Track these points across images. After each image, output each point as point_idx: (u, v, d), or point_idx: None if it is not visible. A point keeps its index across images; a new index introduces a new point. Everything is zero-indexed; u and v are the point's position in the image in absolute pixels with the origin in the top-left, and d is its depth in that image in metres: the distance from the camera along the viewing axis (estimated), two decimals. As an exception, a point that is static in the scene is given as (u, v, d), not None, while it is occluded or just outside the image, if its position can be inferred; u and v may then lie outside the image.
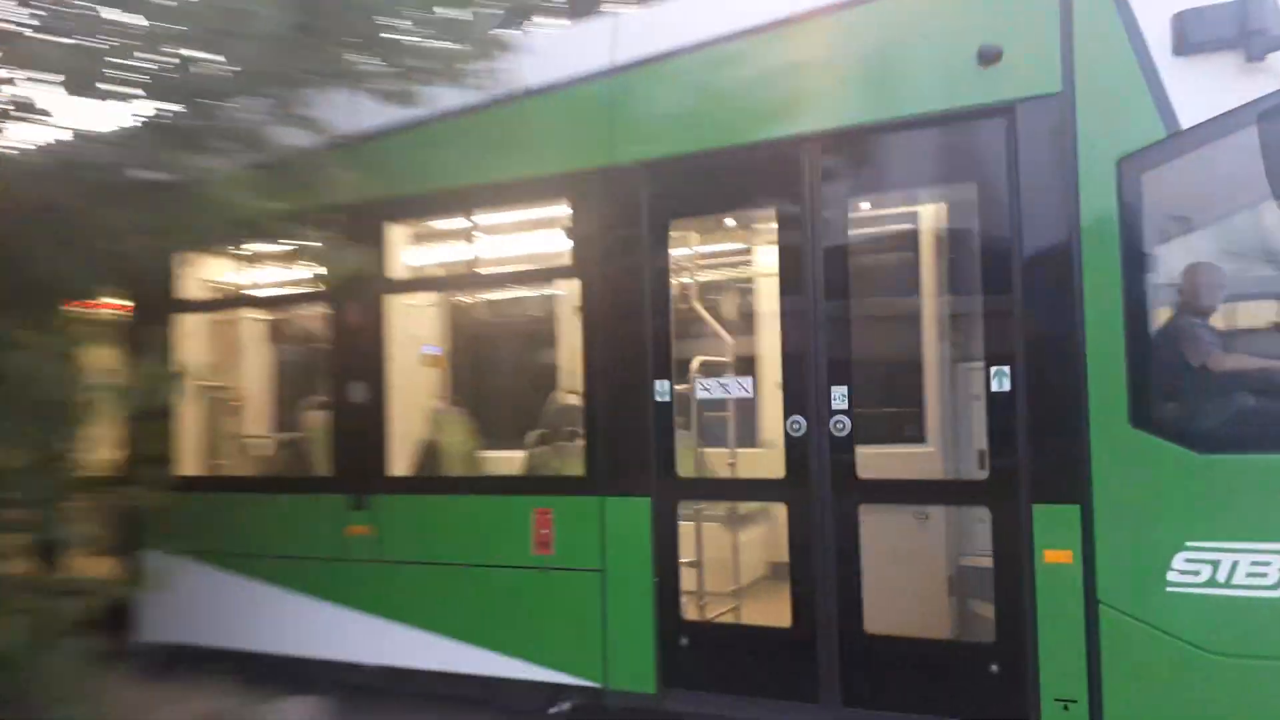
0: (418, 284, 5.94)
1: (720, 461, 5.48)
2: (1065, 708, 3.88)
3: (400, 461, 5.48)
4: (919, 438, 5.52)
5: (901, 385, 5.63)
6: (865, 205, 4.57)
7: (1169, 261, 3.96)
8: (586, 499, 4.75)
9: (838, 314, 4.31)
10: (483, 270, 5.92)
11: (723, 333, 5.78)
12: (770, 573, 5.78)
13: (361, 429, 5.37)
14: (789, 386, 4.40)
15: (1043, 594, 3.91)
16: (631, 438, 4.66)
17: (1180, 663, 3.71)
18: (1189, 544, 3.69)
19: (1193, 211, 4.05)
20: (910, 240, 5.23)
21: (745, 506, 5.61)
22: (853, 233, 4.40)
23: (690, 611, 4.82)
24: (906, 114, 4.19)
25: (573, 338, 5.62)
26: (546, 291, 6.38)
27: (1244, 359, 3.89)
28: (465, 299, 6.82)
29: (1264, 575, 3.59)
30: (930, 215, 5.36)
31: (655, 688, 4.56)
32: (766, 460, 4.95)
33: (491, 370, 7.00)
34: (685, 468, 4.81)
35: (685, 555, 4.76)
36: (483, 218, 5.57)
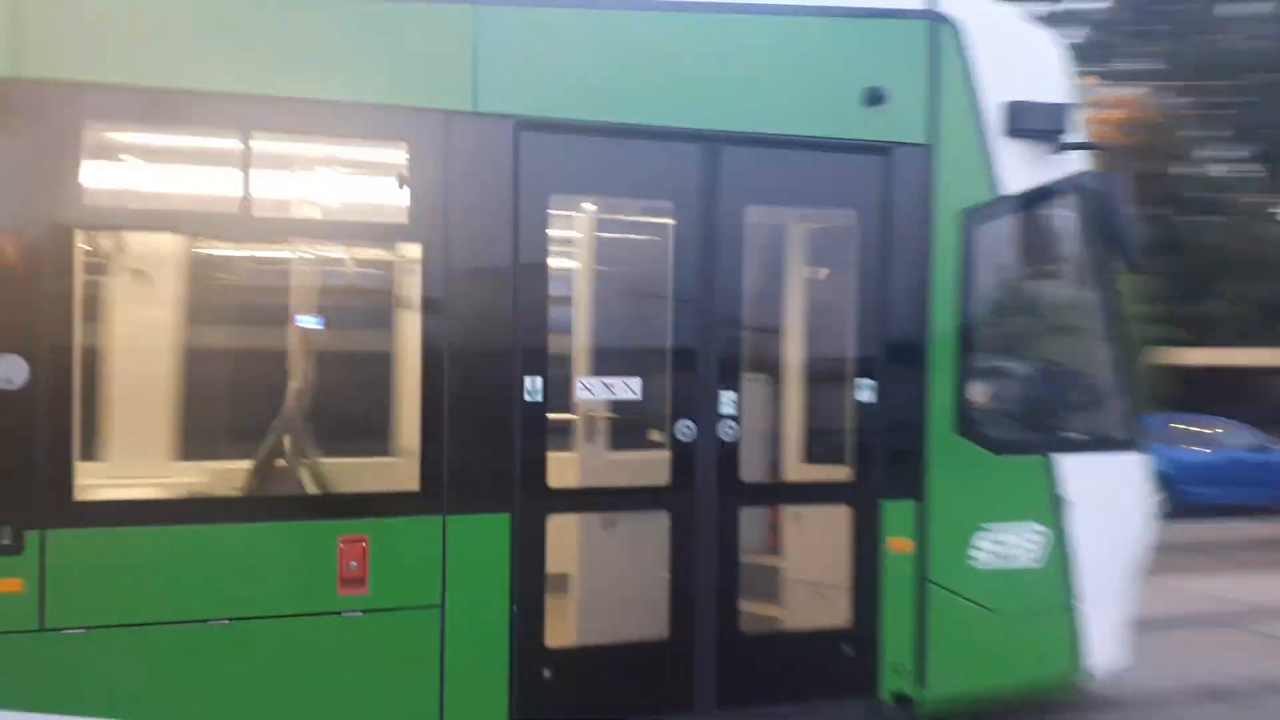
0: (137, 219, 4.26)
1: (601, 467, 4.95)
2: (897, 672, 4.55)
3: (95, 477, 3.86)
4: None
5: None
6: (754, 211, 4.60)
7: (993, 299, 4.87)
8: (420, 520, 3.95)
9: (729, 319, 4.36)
10: (263, 214, 4.15)
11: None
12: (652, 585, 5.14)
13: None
14: (677, 389, 4.31)
15: (889, 577, 4.52)
16: (488, 444, 4.03)
17: (980, 623, 4.64)
18: (982, 526, 4.64)
19: (1010, 260, 5.00)
20: (782, 254, 5.34)
21: (625, 516, 4.87)
22: (733, 238, 4.46)
23: (556, 638, 4.32)
24: (794, 133, 4.42)
25: (396, 316, 4.60)
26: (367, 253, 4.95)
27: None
28: (227, 250, 4.94)
29: (1032, 549, 4.71)
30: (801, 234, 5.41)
31: None
32: (650, 467, 4.60)
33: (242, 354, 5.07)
34: (561, 478, 4.32)
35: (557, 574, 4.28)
36: (269, 143, 4.08)
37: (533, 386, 4.08)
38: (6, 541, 3.41)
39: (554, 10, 4.09)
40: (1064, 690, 5.17)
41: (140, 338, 4.65)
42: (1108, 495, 4.91)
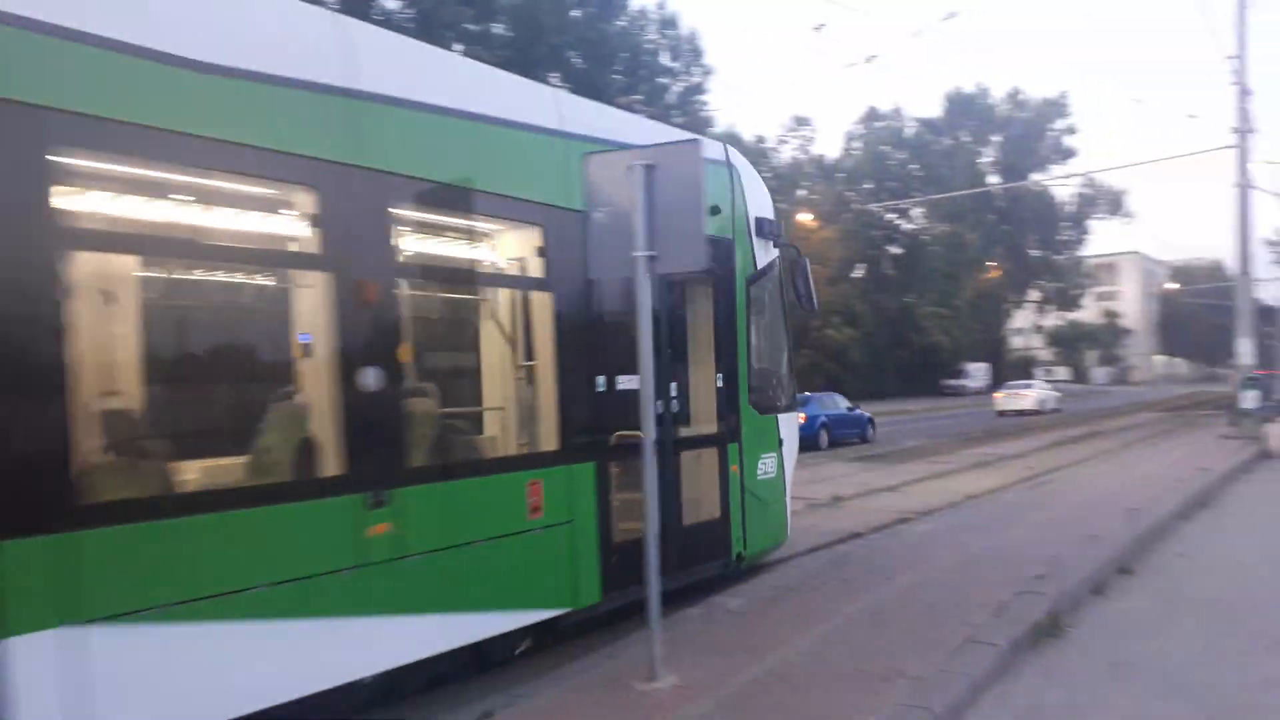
0: None
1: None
2: (737, 541, 7.84)
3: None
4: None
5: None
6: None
7: (757, 327, 8.37)
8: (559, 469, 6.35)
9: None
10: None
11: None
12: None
13: None
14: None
15: (732, 488, 7.80)
16: (585, 418, 6.56)
17: (764, 510, 8.18)
18: (760, 455, 8.23)
19: (763, 305, 8.51)
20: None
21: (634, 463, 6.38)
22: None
23: (616, 538, 6.79)
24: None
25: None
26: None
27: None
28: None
29: (773, 467, 8.39)
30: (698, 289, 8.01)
31: None
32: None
33: None
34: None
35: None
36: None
37: (609, 382, 6.76)
38: (381, 499, 5.10)
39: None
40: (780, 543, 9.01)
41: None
42: (789, 435, 8.85)
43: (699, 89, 43.12)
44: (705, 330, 7.86)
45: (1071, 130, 64.63)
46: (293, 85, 4.92)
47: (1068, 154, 64.56)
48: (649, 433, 5.54)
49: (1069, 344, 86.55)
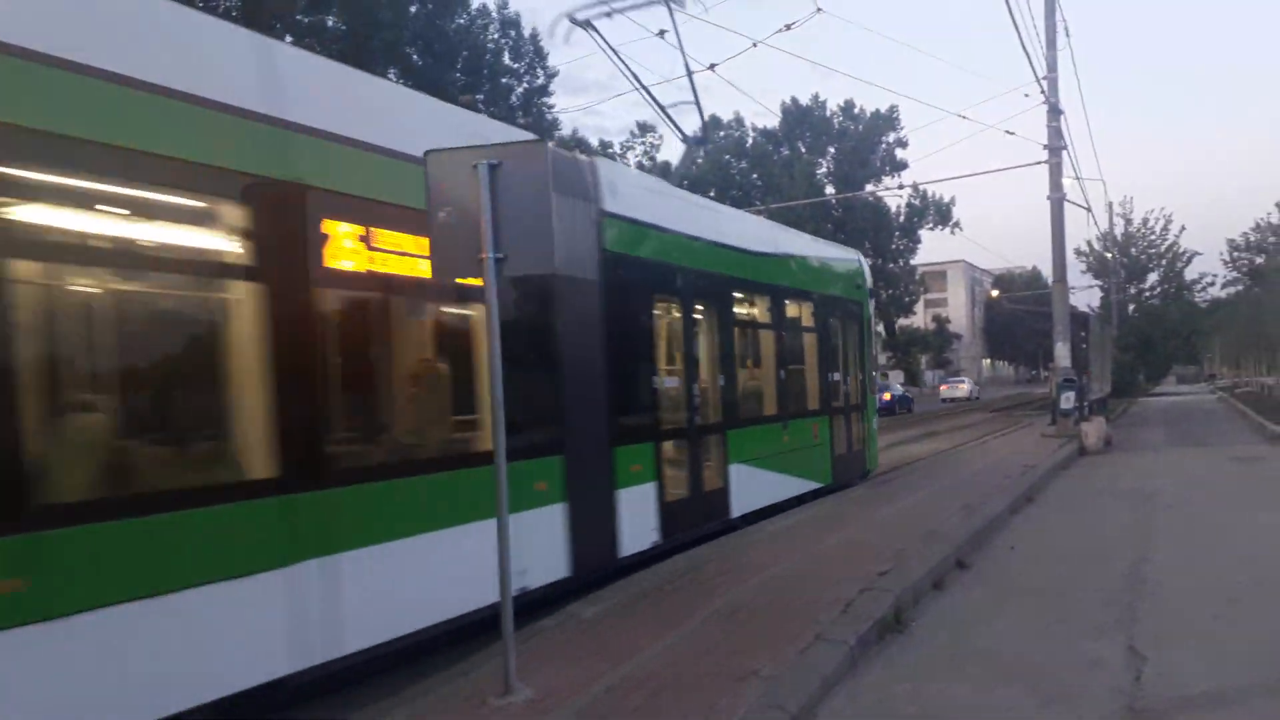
0: None
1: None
2: (867, 472, 13.24)
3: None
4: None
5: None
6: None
7: None
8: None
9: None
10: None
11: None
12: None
13: None
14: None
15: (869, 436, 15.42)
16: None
17: (873, 449, 15.84)
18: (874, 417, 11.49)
19: None
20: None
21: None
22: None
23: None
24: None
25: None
26: None
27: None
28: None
29: (875, 426, 12.19)
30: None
31: None
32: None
33: None
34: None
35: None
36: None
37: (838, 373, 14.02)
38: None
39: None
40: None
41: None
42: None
43: (544, 91, 42.90)
44: (855, 349, 14.95)
45: (902, 143, 67.67)
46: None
47: (899, 166, 67.68)
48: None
49: (903, 348, 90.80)
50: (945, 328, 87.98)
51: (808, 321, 13.36)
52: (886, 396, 35.71)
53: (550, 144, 5.91)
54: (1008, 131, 26.59)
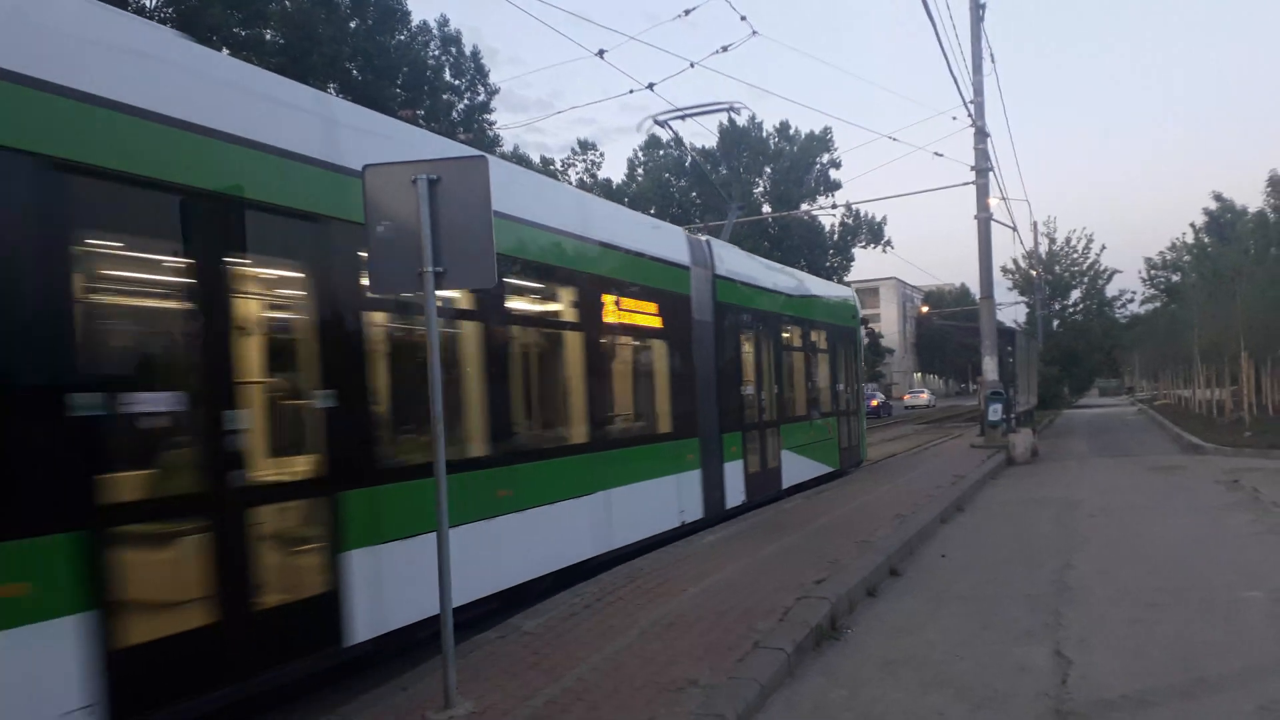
0: None
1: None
2: (860, 461, 17.45)
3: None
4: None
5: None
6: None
7: None
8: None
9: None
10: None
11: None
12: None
13: None
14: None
15: (860, 435, 19.42)
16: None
17: (863, 445, 19.87)
18: (863, 420, 15.85)
19: None
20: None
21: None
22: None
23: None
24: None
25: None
26: None
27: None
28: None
29: (863, 427, 13.43)
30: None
31: None
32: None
33: None
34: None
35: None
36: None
37: (842, 384, 18.24)
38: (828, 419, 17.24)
39: None
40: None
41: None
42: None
43: (485, 108, 42.81)
44: (852, 365, 18.89)
45: (836, 164, 68.84)
46: None
47: (833, 186, 68.77)
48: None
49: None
50: (878, 342, 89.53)
51: (823, 345, 17.49)
52: (874, 403, 45.22)
53: (680, 228, 10.10)
54: (936, 153, 27.37)
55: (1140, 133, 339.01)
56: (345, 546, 6.03)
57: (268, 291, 6.06)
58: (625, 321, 10.24)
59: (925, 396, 76.58)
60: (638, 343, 10.74)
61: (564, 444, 8.98)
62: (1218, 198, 58.24)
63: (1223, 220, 57.28)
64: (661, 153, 67.89)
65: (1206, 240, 57.31)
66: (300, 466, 6.10)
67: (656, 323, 10.85)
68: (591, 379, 9.33)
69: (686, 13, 17.57)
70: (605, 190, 64.22)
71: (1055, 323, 53.99)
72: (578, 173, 64.77)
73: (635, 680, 5.60)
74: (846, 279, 77.37)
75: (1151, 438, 28.97)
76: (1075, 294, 54.95)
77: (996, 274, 33.14)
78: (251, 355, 5.76)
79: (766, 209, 63.68)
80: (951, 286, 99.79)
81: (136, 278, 5.46)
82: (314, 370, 6.05)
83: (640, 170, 68.35)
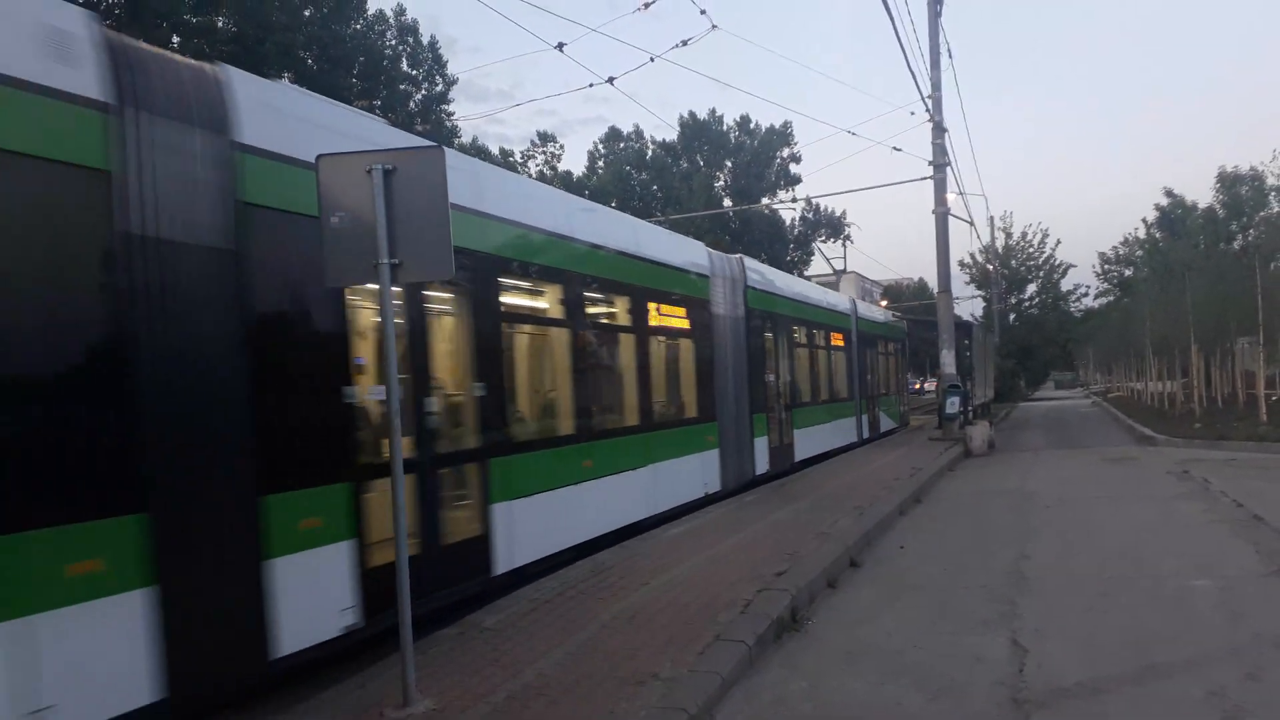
0: None
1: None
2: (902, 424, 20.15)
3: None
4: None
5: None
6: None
7: None
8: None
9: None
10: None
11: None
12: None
13: None
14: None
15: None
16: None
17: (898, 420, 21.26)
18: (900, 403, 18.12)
19: None
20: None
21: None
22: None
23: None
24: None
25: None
26: None
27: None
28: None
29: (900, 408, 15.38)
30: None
31: None
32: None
33: None
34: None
35: None
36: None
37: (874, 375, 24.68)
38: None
39: None
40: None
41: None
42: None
43: (443, 98, 42.34)
44: (897, 363, 27.68)
45: (796, 158, 69.12)
46: None
47: (794, 180, 69.06)
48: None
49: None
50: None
51: (839, 342, 21.74)
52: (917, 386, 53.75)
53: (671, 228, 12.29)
54: (895, 148, 27.54)
55: (1094, 127, 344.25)
56: (492, 500, 7.94)
57: (438, 307, 7.72)
58: (668, 325, 12.58)
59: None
60: (681, 342, 12.99)
61: (626, 426, 11.00)
62: (1169, 193, 59.43)
63: (1173, 215, 58.40)
64: (622, 145, 67.77)
65: (1158, 235, 58.38)
66: (466, 440, 7.87)
67: (688, 324, 13.12)
68: (644, 373, 11.42)
69: (647, 5, 17.50)
70: (566, 183, 64.02)
71: (1012, 316, 54.67)
72: (538, 165, 64.45)
73: (596, 674, 5.57)
74: (806, 273, 78.12)
75: (1105, 430, 29.47)
76: (1031, 288, 55.65)
77: (954, 268, 33.54)
78: (435, 357, 7.60)
79: (727, 202, 63.83)
80: (910, 280, 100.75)
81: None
82: (470, 368, 7.89)
83: (601, 163, 68.19)
